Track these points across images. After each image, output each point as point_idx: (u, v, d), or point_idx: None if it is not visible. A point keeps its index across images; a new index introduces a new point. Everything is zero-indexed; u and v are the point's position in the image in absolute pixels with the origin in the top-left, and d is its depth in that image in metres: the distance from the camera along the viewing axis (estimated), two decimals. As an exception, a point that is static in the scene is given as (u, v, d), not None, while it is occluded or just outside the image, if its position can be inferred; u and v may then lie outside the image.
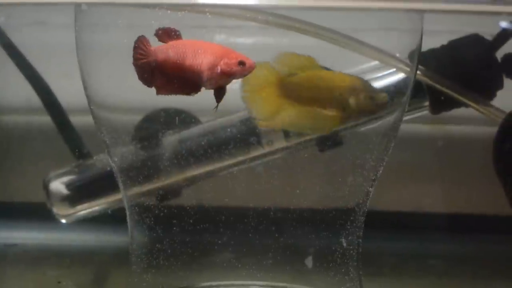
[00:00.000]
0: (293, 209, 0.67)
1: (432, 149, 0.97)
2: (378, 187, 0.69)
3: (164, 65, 0.56)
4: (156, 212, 0.67)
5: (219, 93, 0.56)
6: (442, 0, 0.58)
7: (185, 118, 0.68)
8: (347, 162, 0.67)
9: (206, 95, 0.57)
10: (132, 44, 0.57)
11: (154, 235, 0.68)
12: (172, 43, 0.56)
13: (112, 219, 0.81)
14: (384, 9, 0.59)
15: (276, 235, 0.67)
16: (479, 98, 0.77)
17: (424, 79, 0.75)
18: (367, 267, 0.70)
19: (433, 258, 0.89)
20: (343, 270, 0.68)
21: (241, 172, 0.68)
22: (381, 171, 0.68)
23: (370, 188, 0.68)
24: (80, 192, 0.81)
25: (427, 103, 0.78)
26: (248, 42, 0.64)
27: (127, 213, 0.70)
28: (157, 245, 0.68)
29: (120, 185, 0.69)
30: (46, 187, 0.81)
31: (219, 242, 0.67)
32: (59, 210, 0.81)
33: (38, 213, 0.83)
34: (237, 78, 0.56)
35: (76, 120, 0.86)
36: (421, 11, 0.64)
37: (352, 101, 0.62)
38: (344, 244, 0.68)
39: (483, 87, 0.77)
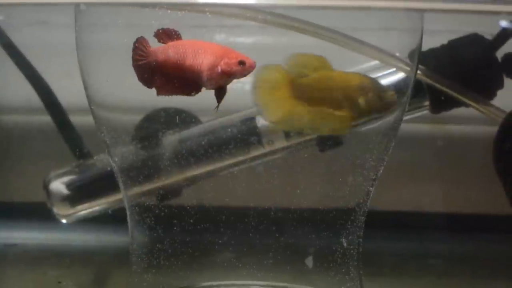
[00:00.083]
0: (293, 209, 0.67)
1: (432, 149, 0.97)
2: (379, 187, 0.69)
3: (164, 65, 0.56)
4: (157, 212, 0.67)
5: (220, 93, 0.57)
6: (442, -1, 0.58)
7: (185, 118, 0.68)
8: (347, 162, 0.67)
9: (206, 95, 0.57)
10: (132, 44, 0.57)
11: (155, 235, 0.68)
12: (172, 43, 0.56)
13: (112, 219, 0.81)
14: (384, 9, 0.59)
15: (277, 235, 0.67)
16: (479, 98, 0.77)
17: (424, 79, 0.75)
18: (367, 267, 0.70)
19: (433, 257, 0.89)
20: (343, 270, 0.68)
21: (241, 172, 0.68)
22: (381, 171, 0.68)
23: (371, 188, 0.68)
24: (80, 192, 0.81)
25: (427, 103, 0.78)
26: (248, 42, 0.63)
27: (128, 213, 0.70)
28: (157, 245, 0.68)
29: (121, 185, 0.69)
30: (46, 187, 0.81)
31: (220, 242, 0.67)
32: (59, 210, 0.81)
33: (38, 213, 0.83)
34: (238, 77, 0.56)
35: (77, 120, 0.86)
36: (421, 11, 0.64)
37: (361, 100, 0.62)
38: (345, 244, 0.68)
39: (483, 87, 0.77)
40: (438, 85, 0.75)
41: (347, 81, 0.62)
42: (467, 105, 0.77)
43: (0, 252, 0.91)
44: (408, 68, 0.67)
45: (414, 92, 0.70)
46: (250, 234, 0.66)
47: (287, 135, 0.68)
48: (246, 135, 0.68)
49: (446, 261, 0.89)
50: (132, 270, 0.69)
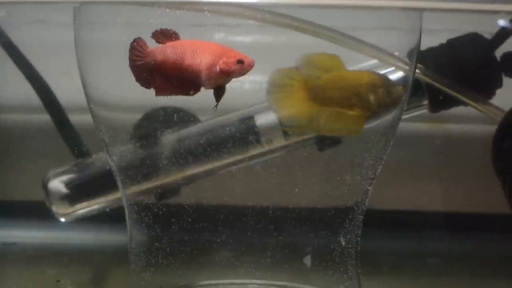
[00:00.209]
0: (292, 208, 0.67)
1: (431, 148, 0.97)
2: (377, 186, 0.69)
3: (162, 66, 0.56)
4: (155, 210, 0.67)
5: (219, 92, 0.57)
6: (441, -2, 0.58)
7: (184, 117, 0.68)
8: (345, 161, 0.68)
9: (205, 94, 0.57)
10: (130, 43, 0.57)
11: (153, 233, 0.68)
12: (170, 43, 0.56)
13: (111, 217, 0.81)
14: (383, 8, 0.59)
15: (275, 234, 0.67)
16: (478, 97, 0.77)
17: (423, 78, 0.75)
18: (365, 266, 0.70)
19: (431, 256, 0.89)
20: (341, 269, 0.68)
21: (240, 170, 0.68)
22: (379, 170, 0.68)
23: (369, 187, 0.68)
24: (79, 191, 0.81)
25: (426, 102, 0.78)
26: (247, 41, 0.63)
27: (126, 211, 0.70)
28: (156, 244, 0.68)
29: (119, 183, 0.69)
30: (45, 185, 0.81)
31: (218, 240, 0.67)
32: (58, 208, 0.81)
33: (37, 211, 0.83)
34: (236, 76, 0.56)
35: (75, 118, 0.86)
36: (420, 10, 0.64)
37: (371, 97, 0.62)
38: (343, 243, 0.68)
39: (482, 86, 0.77)
40: (437, 84, 0.75)
41: (358, 79, 0.62)
42: (466, 104, 0.77)
43: (0, 251, 0.91)
44: (407, 67, 0.67)
45: (412, 91, 0.70)
46: (249, 233, 0.66)
47: (285, 134, 0.68)
48: (245, 134, 0.68)
49: (445, 260, 0.89)
50: (130, 269, 0.69)
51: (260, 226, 0.66)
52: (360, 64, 0.67)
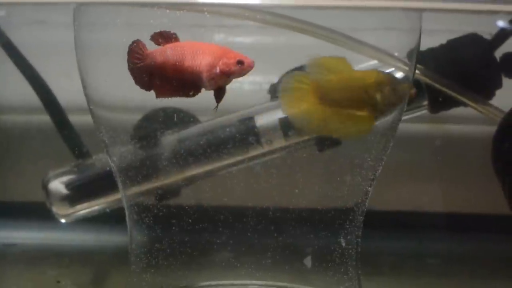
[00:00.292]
0: (292, 209, 0.67)
1: (431, 149, 0.97)
2: (377, 187, 0.69)
3: (162, 67, 0.56)
4: (155, 211, 0.67)
5: (219, 93, 0.57)
6: (441, -1, 0.58)
7: (184, 118, 0.68)
8: (346, 162, 0.68)
9: (205, 95, 0.57)
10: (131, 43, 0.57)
11: (153, 234, 0.68)
12: (169, 45, 0.56)
13: (111, 218, 0.81)
14: (382, 8, 0.59)
15: (275, 235, 0.67)
16: (478, 97, 0.77)
17: (423, 78, 0.75)
18: (366, 267, 0.70)
19: (431, 257, 0.89)
20: (342, 270, 0.68)
21: (240, 171, 0.68)
22: (379, 171, 0.68)
23: (369, 188, 0.68)
24: (79, 192, 0.81)
25: (426, 102, 0.78)
26: (247, 41, 0.64)
27: (126, 212, 0.70)
28: (156, 245, 0.68)
29: (119, 184, 0.69)
30: (45, 186, 0.81)
31: (218, 241, 0.67)
32: (58, 209, 0.81)
33: (38, 212, 0.83)
34: (236, 77, 0.56)
35: (75, 119, 0.86)
36: (420, 10, 0.64)
37: (378, 96, 0.62)
38: (343, 244, 0.68)
39: (482, 86, 0.77)
40: (436, 85, 0.75)
41: (364, 79, 0.62)
42: (465, 105, 0.77)
43: (0, 252, 0.91)
44: (407, 68, 0.67)
45: (412, 91, 0.70)
46: (249, 234, 0.66)
47: (285, 134, 0.68)
48: (245, 134, 0.68)
49: (445, 260, 0.89)
50: (131, 270, 0.69)
51: (261, 227, 0.66)
52: (360, 65, 0.67)
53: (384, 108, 0.63)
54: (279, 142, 0.69)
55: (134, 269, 0.69)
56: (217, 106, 0.57)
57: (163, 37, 0.56)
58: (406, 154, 0.93)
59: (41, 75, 0.85)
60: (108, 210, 0.81)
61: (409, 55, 0.67)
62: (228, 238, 0.67)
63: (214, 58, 0.55)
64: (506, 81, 0.78)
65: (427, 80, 0.75)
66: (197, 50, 0.56)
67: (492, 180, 0.76)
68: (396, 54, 0.66)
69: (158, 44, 0.56)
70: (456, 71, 0.76)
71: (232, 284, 0.67)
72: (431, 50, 0.78)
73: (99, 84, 0.66)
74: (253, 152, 0.68)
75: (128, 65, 0.57)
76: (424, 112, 0.79)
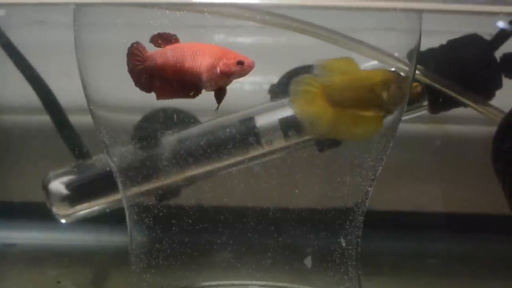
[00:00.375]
0: (292, 209, 0.67)
1: (431, 149, 0.97)
2: (377, 187, 0.69)
3: (163, 69, 0.56)
4: (155, 212, 0.68)
5: (220, 94, 0.56)
6: (441, 0, 0.58)
7: (184, 118, 0.68)
8: (346, 162, 0.68)
9: (205, 95, 0.57)
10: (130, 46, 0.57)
11: (154, 235, 0.68)
12: (169, 47, 0.56)
13: (111, 219, 0.81)
14: (383, 9, 0.59)
15: (275, 235, 0.67)
16: (478, 98, 0.77)
17: (423, 79, 0.75)
18: (366, 267, 0.70)
19: (431, 257, 0.89)
20: (342, 270, 0.68)
21: (240, 172, 0.68)
22: (380, 171, 0.68)
23: (369, 188, 0.68)
24: (79, 192, 0.81)
25: (426, 103, 0.78)
26: (247, 42, 0.64)
27: (126, 213, 0.70)
28: (156, 245, 0.68)
29: (119, 185, 0.69)
30: (45, 187, 0.81)
31: (218, 242, 0.67)
32: (58, 210, 0.81)
33: (38, 213, 0.83)
34: (237, 78, 0.56)
35: (75, 119, 0.86)
36: (420, 11, 0.64)
37: (385, 95, 0.62)
38: (343, 244, 0.68)
39: (482, 87, 0.77)
40: (436, 85, 0.75)
41: (371, 79, 0.63)
42: (465, 105, 0.77)
43: (0, 252, 0.91)
44: (407, 68, 0.67)
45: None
46: (249, 234, 0.66)
47: (285, 134, 0.68)
48: (245, 135, 0.68)
49: (445, 261, 0.89)
50: (131, 270, 0.69)
51: (261, 227, 0.66)
52: (360, 65, 0.67)
53: (391, 106, 0.63)
54: (279, 143, 0.69)
55: (134, 270, 0.69)
56: (218, 107, 0.57)
57: (163, 39, 0.56)
58: (406, 154, 0.93)
59: (41, 75, 0.85)
60: (108, 211, 0.81)
61: (409, 55, 0.67)
62: (228, 238, 0.67)
63: (214, 59, 0.55)
64: (506, 81, 0.78)
65: (427, 81, 0.75)
66: (197, 51, 0.56)
67: (492, 180, 0.76)
68: (396, 54, 0.66)
69: (158, 46, 0.56)
70: (456, 71, 0.76)
71: (233, 285, 0.67)
72: (431, 51, 0.78)
73: (99, 85, 0.66)
74: (253, 153, 0.68)
75: (128, 68, 0.57)
76: (424, 112, 0.79)
